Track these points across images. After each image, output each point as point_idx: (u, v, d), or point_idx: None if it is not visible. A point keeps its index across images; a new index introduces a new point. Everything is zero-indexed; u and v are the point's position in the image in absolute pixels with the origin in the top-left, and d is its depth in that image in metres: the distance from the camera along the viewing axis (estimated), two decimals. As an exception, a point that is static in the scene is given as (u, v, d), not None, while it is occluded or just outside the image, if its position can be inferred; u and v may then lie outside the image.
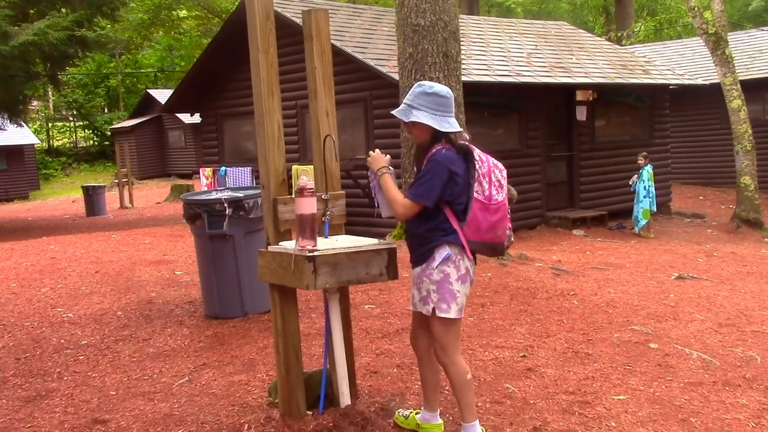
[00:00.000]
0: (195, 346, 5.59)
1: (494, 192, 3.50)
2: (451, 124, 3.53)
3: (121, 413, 4.30)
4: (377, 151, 3.77)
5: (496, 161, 3.57)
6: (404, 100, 3.61)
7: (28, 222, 20.05)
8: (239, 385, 4.67)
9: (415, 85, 3.62)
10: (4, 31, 15.12)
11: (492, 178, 3.51)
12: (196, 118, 18.56)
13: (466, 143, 3.55)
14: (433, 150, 3.53)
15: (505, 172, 3.60)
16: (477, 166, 3.48)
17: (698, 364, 5.06)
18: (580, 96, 13.95)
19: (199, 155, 27.54)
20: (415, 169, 3.79)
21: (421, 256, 3.57)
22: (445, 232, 3.50)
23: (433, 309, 3.54)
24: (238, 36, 13.17)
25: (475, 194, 3.47)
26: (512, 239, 3.63)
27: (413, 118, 3.54)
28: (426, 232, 3.54)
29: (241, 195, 6.17)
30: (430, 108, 3.52)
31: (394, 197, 3.60)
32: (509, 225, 3.60)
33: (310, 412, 4.03)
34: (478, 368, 4.91)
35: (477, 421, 3.67)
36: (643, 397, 4.42)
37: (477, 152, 3.52)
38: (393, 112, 3.67)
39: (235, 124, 15.36)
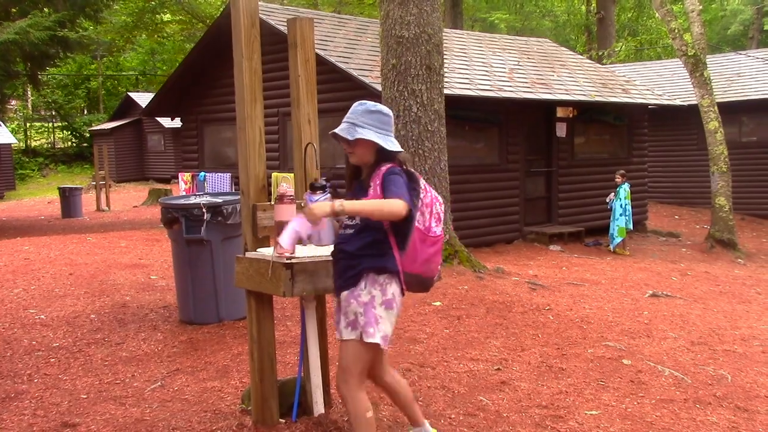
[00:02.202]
0: (168, 351, 5.55)
1: (433, 224, 3.33)
2: (394, 144, 3.36)
3: (91, 417, 4.26)
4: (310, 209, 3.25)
5: (436, 194, 3.40)
6: (345, 119, 3.40)
7: (2, 222, 19.80)
8: (212, 392, 4.64)
9: (356, 103, 3.44)
10: (-16, 28, 14.99)
11: (433, 210, 3.35)
12: (177, 123, 18.49)
13: (413, 170, 3.37)
14: (383, 168, 3.30)
15: (443, 207, 3.44)
16: (421, 195, 3.30)
17: (670, 381, 5.11)
18: (560, 113, 14.08)
19: (178, 160, 27.39)
20: (348, 196, 3.46)
21: (349, 278, 3.31)
22: (381, 253, 3.27)
23: (361, 334, 3.27)
24: (222, 42, 13.15)
25: (417, 223, 3.28)
26: (440, 275, 3.48)
27: (359, 136, 3.32)
28: (359, 250, 3.29)
29: (220, 200, 6.15)
30: (374, 126, 3.35)
31: (387, 203, 3.17)
32: (440, 260, 3.44)
33: (283, 420, 4.01)
34: (452, 380, 4.92)
35: None
36: (615, 412, 4.45)
37: (422, 181, 3.37)
38: (335, 131, 3.40)
39: (216, 129, 15.31)
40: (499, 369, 5.20)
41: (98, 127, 36.76)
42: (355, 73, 11.63)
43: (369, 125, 3.35)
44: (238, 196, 6.12)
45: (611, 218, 13.51)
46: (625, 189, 13.38)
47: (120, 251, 10.37)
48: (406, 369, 5.09)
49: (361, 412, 3.33)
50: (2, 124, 26.19)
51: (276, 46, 10.69)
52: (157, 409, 4.37)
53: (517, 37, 20.16)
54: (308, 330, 4.01)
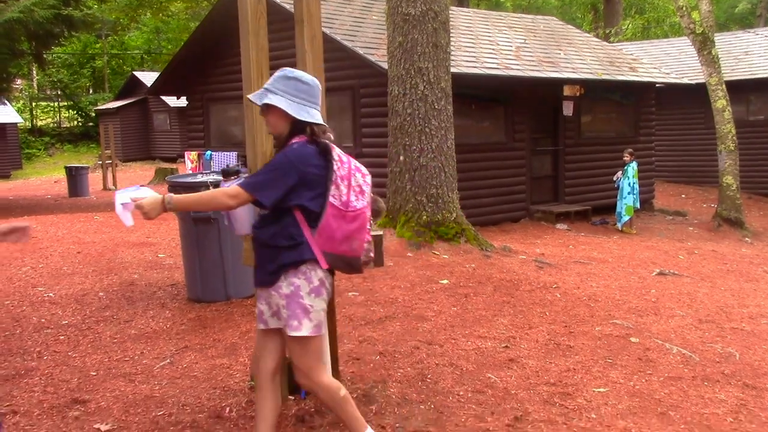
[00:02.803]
0: (177, 329, 5.57)
1: (353, 198, 3.09)
2: (311, 115, 3.12)
3: (101, 394, 4.28)
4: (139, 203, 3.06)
5: (359, 165, 3.19)
6: (264, 85, 3.24)
7: (10, 201, 19.84)
8: (221, 369, 4.66)
9: (279, 70, 3.23)
10: (-11, 7, 14.93)
11: (352, 183, 3.11)
12: (183, 102, 18.43)
13: (326, 141, 3.14)
14: (290, 143, 3.13)
15: (368, 178, 3.20)
16: (335, 167, 3.08)
17: (678, 359, 5.11)
18: (567, 91, 13.99)
19: (184, 139, 27.37)
20: None
21: (268, 275, 3.11)
22: (292, 240, 3.06)
23: (284, 327, 3.13)
24: (227, 20, 13.08)
25: (330, 199, 3.06)
26: (371, 255, 3.19)
27: (266, 101, 3.12)
28: (271, 238, 3.09)
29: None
30: (288, 93, 3.12)
31: (210, 195, 3.15)
32: (368, 238, 3.17)
33: (292, 397, 4.03)
34: (460, 357, 4.93)
35: (368, 427, 3.31)
36: (623, 390, 4.46)
37: (337, 151, 3.13)
38: (248, 96, 3.28)
39: (222, 108, 15.27)
40: (506, 347, 5.20)
41: (104, 107, 36.72)
42: (361, 51, 11.56)
43: (282, 92, 3.13)
44: (245, 174, 6.12)
45: (618, 197, 13.46)
46: (633, 167, 13.33)
47: (127, 230, 10.39)
48: (414, 347, 5.10)
49: (335, 395, 3.20)
50: (8, 103, 26.16)
51: (280, 23, 10.63)
52: (166, 385, 4.39)
53: (524, 15, 20.01)
54: (317, 307, 4.00)
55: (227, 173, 3.58)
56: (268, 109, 3.15)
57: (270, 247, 3.09)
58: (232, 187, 3.06)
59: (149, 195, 3.06)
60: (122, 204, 3.05)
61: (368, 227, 3.15)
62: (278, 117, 3.14)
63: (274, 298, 3.12)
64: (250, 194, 3.03)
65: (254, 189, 3.03)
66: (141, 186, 3.24)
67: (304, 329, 3.09)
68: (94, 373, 4.64)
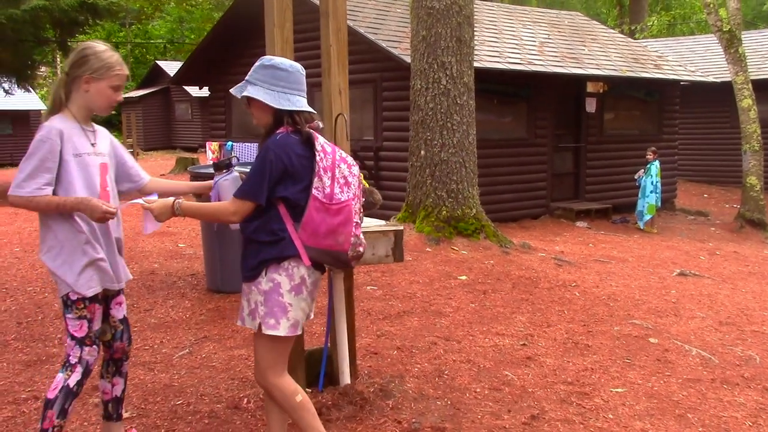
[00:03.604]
0: (196, 319, 5.61)
1: (337, 190, 2.93)
2: (292, 102, 2.99)
3: (121, 381, 4.31)
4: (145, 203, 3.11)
5: (345, 155, 3.05)
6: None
7: (32, 188, 20.03)
8: (239, 360, 4.69)
9: (258, 59, 3.12)
10: (15, -6, 15.06)
11: (336, 174, 2.95)
12: (204, 92, 18.52)
13: (310, 130, 3.01)
14: (273, 137, 3.00)
15: (355, 169, 3.04)
16: (318, 158, 2.93)
17: (697, 361, 5.07)
18: (590, 87, 13.89)
19: (205, 129, 27.50)
20: None
21: (250, 270, 2.99)
22: (274, 235, 2.94)
23: (260, 325, 2.98)
24: (251, 10, 13.10)
25: (313, 191, 2.91)
26: (360, 250, 3.01)
27: (245, 93, 3.03)
28: (253, 233, 2.98)
29: (248, 170, 6.15)
30: (266, 83, 3.01)
31: (215, 208, 3.09)
32: (357, 232, 2.99)
33: (310, 390, 4.04)
34: (478, 354, 4.92)
35: None
36: (641, 390, 4.44)
37: (320, 141, 2.99)
38: (230, 90, 3.16)
39: (244, 99, 15.31)
40: (524, 344, 5.19)
41: (126, 95, 36.91)
42: (384, 44, 11.54)
43: (260, 81, 3.02)
44: (237, 167, 6.13)
45: (639, 195, 13.36)
46: (656, 166, 13.22)
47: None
48: (432, 342, 5.10)
49: (290, 398, 3.04)
50: (32, 90, 26.41)
51: (304, 15, 10.64)
52: (185, 375, 4.42)
53: (548, 10, 19.86)
54: (335, 301, 4.02)
55: (218, 166, 3.52)
56: (249, 101, 3.06)
57: (252, 242, 2.98)
58: (232, 201, 2.96)
59: (165, 201, 3.07)
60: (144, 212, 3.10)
61: (356, 220, 2.98)
62: (259, 108, 3.04)
63: (253, 294, 3.00)
64: (246, 202, 2.92)
65: (248, 196, 2.92)
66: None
67: (282, 329, 2.95)
68: (114, 361, 4.67)
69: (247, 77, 3.06)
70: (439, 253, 7.87)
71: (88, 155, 3.10)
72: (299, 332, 3.06)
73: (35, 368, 4.57)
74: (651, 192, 13.16)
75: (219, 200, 3.29)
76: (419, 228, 8.46)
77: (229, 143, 14.75)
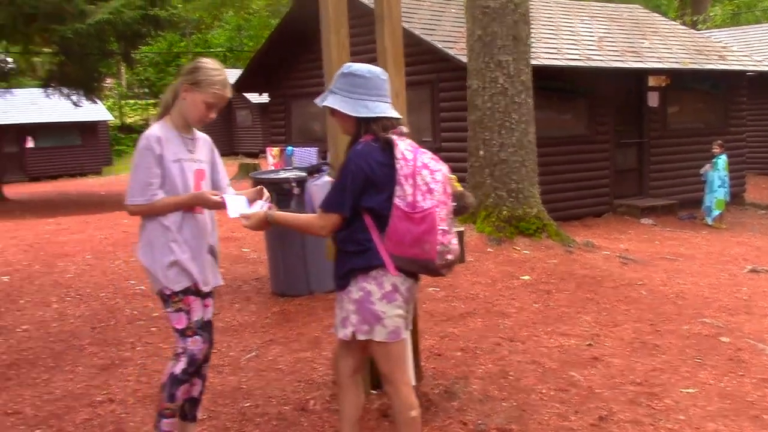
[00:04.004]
0: (262, 322, 5.70)
1: (419, 198, 2.84)
2: (370, 109, 2.94)
3: (191, 384, 4.42)
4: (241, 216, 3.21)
5: (428, 160, 2.94)
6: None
7: (102, 196, 20.67)
8: (305, 362, 4.75)
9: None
10: (81, 9, 15.57)
11: (418, 181, 2.85)
12: (264, 98, 18.78)
13: (389, 137, 2.94)
14: (356, 143, 3.00)
15: (438, 174, 2.92)
16: (398, 166, 2.86)
17: (772, 360, 4.92)
18: (652, 81, 13.59)
19: (266, 134, 27.84)
20: None
21: (340, 279, 3.02)
22: (360, 245, 2.94)
23: (353, 333, 3.01)
24: (307, 16, 13.24)
25: (396, 200, 2.86)
26: (449, 258, 2.91)
27: (324, 103, 3.03)
28: (341, 243, 3.02)
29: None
30: (345, 91, 2.98)
31: (304, 221, 3.15)
32: (445, 240, 2.88)
33: (374, 392, 4.07)
34: (543, 355, 4.88)
35: None
36: (713, 391, 4.33)
37: (401, 148, 2.89)
38: (315, 100, 3.17)
39: (303, 104, 15.48)
40: (590, 344, 5.12)
41: (189, 104, 37.71)
42: (439, 45, 11.53)
43: (340, 90, 3.00)
44: (327, 170, 6.20)
45: (706, 190, 13.01)
46: (723, 160, 12.85)
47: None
48: (496, 343, 5.08)
49: (405, 411, 3.06)
50: (99, 101, 27.20)
51: (359, 19, 10.71)
52: (252, 378, 4.50)
53: (606, 4, 19.52)
54: (399, 303, 4.03)
55: (311, 171, 3.63)
56: (332, 111, 3.05)
57: (341, 252, 3.03)
58: (319, 215, 2.99)
59: (255, 211, 3.19)
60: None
61: (442, 227, 2.87)
62: (341, 117, 3.02)
63: (345, 303, 3.02)
64: (332, 214, 2.94)
65: (331, 208, 2.94)
66: (238, 194, 3.38)
67: (377, 335, 2.97)
68: (184, 365, 4.79)
69: (330, 86, 3.06)
70: (500, 253, 7.82)
71: (185, 161, 3.27)
72: (403, 337, 3.05)
73: (110, 372, 4.71)
74: (719, 187, 12.80)
75: (311, 204, 3.35)
76: (480, 228, 8.41)
77: (290, 148, 14.93)
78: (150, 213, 3.21)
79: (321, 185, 3.45)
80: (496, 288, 6.56)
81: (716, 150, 12.93)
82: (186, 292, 3.25)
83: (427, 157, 2.95)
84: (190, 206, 3.25)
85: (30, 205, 18.19)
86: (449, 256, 2.90)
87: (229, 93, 3.33)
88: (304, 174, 6.25)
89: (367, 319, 2.96)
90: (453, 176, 3.03)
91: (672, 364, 4.77)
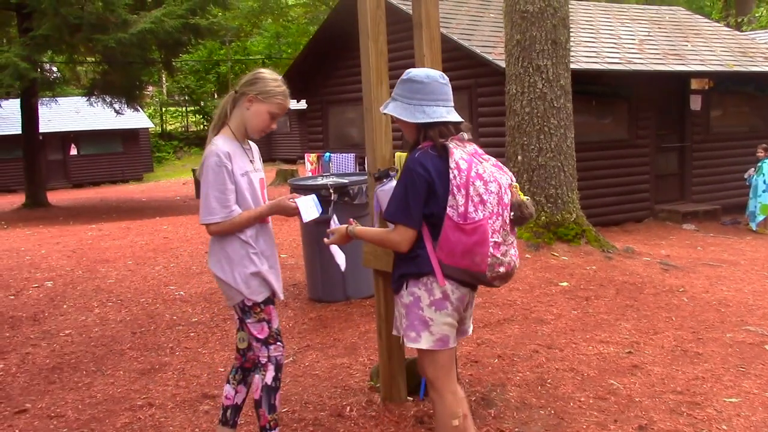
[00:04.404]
0: (299, 328, 5.73)
1: (471, 209, 2.78)
2: (427, 114, 2.90)
3: (228, 389, 4.46)
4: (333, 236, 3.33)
5: (482, 170, 2.84)
6: None
7: (142, 203, 21.00)
8: (341, 368, 4.75)
9: None
10: (123, 19, 15.86)
11: (470, 192, 2.78)
12: (302, 105, 18.90)
13: (446, 142, 2.89)
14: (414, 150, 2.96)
15: (493, 186, 2.82)
16: (451, 176, 2.80)
17: (819, 370, 4.79)
18: (695, 84, 13.37)
19: (303, 141, 28.07)
20: None
21: (394, 282, 3.07)
22: (413, 251, 2.93)
23: (402, 337, 3.05)
24: (345, 23, 13.32)
25: (448, 210, 2.81)
26: (501, 270, 2.84)
27: (384, 110, 3.03)
28: None
29: (347, 181, 6.25)
30: (405, 97, 2.96)
31: (382, 236, 3.06)
32: (498, 252, 2.81)
33: (411, 398, 4.07)
34: (581, 362, 4.82)
35: None
36: (758, 401, 4.23)
37: (456, 156, 2.83)
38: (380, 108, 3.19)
39: (340, 110, 15.56)
40: (630, 352, 5.04)
41: (228, 111, 38.10)
42: (478, 50, 11.49)
43: (399, 96, 2.99)
44: (364, 177, 6.21)
45: (750, 195, 12.74)
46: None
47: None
48: (533, 350, 5.03)
49: (447, 419, 3.02)
50: (140, 109, 27.69)
51: (397, 25, 10.72)
52: (289, 383, 4.52)
53: (648, 6, 19.28)
54: (435, 310, 4.02)
55: (378, 177, 3.71)
56: (394, 118, 3.03)
57: (396, 256, 3.04)
58: (393, 230, 2.94)
59: (339, 227, 3.32)
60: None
61: (495, 240, 2.80)
62: (402, 124, 3.00)
63: (398, 306, 3.06)
64: (400, 226, 2.90)
65: (398, 219, 2.90)
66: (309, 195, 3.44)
67: (423, 342, 2.96)
68: (222, 369, 4.84)
69: (393, 93, 3.05)
70: (539, 259, 7.75)
71: (251, 173, 3.33)
72: (451, 346, 3.02)
73: (149, 376, 4.77)
74: (764, 191, 12.52)
75: (380, 209, 3.47)
76: (518, 234, 8.34)
77: (327, 154, 15.01)
78: (230, 230, 3.22)
79: (389, 190, 3.48)
80: (534, 294, 6.50)
81: (761, 154, 12.66)
82: (266, 302, 3.33)
83: (486, 165, 2.88)
84: (269, 215, 3.31)
85: (73, 211, 18.56)
86: (501, 269, 2.84)
87: (289, 103, 3.40)
88: (343, 181, 6.28)
89: (414, 324, 2.97)
90: (515, 184, 2.96)
91: (714, 372, 4.67)
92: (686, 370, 4.72)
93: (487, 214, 2.80)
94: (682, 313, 6.07)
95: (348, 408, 4.06)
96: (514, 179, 2.96)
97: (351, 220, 3.32)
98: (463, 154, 2.86)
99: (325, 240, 3.36)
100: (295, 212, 3.30)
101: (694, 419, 3.95)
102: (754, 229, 12.54)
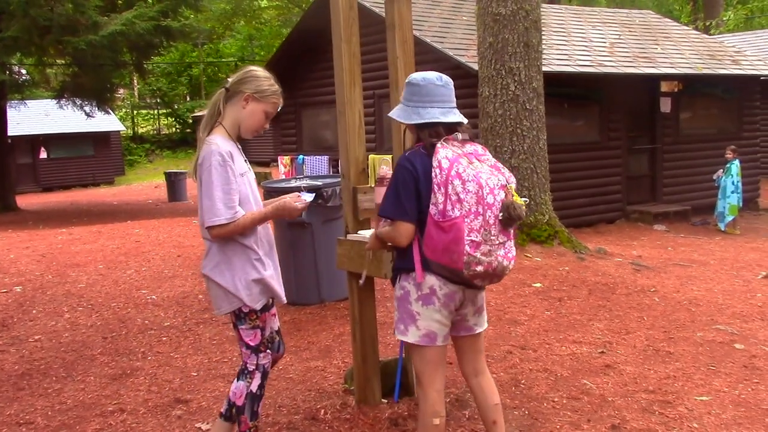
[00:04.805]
0: (273, 331, 5.69)
1: (449, 207, 2.82)
2: (420, 115, 2.99)
3: (202, 394, 4.42)
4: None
5: (462, 170, 2.84)
6: None
7: (114, 206, 20.77)
8: (316, 371, 4.73)
9: None
10: (94, 21, 15.69)
11: (448, 190, 2.83)
12: (275, 107, 18.82)
13: (434, 141, 2.94)
14: None
15: (472, 185, 2.82)
16: (433, 174, 2.87)
17: (787, 367, 4.87)
18: (664, 87, 13.55)
19: (277, 143, 27.94)
20: None
21: (392, 276, 3.18)
22: (404, 250, 3.02)
23: (394, 329, 3.12)
24: (318, 26, 13.29)
25: (431, 207, 2.88)
26: (478, 269, 2.84)
27: (390, 114, 3.16)
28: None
29: (320, 183, 6.24)
30: (406, 100, 3.07)
31: (387, 233, 3.06)
32: (475, 251, 2.82)
33: (386, 401, 4.06)
34: (554, 363, 4.84)
35: None
36: (728, 399, 4.28)
37: (440, 155, 2.88)
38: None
39: (314, 113, 15.53)
40: (603, 352, 5.08)
41: (200, 113, 37.76)
42: (451, 52, 11.54)
43: (403, 99, 3.09)
44: (338, 179, 6.21)
45: (719, 196, 12.93)
46: (736, 165, 12.77)
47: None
48: (507, 351, 5.05)
49: (428, 417, 3.05)
50: (111, 112, 27.39)
51: (370, 28, 10.72)
52: (263, 387, 4.49)
53: (618, 10, 19.49)
54: (409, 311, 4.01)
55: (309, 190, 3.73)
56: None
57: (396, 251, 3.11)
58: (390, 225, 3.01)
59: (371, 231, 3.41)
60: None
61: (471, 238, 2.81)
62: (406, 125, 3.14)
63: (394, 299, 3.14)
64: (396, 221, 2.96)
65: (391, 213, 2.98)
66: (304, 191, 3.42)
67: (410, 336, 3.02)
68: (195, 374, 4.80)
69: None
70: (512, 260, 7.77)
71: (247, 173, 3.27)
72: (439, 343, 3.04)
73: (121, 382, 4.72)
74: (732, 192, 12.71)
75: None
76: (491, 236, 8.38)
77: (301, 157, 14.97)
78: (235, 232, 3.11)
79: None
80: (508, 295, 6.53)
81: (729, 155, 12.85)
82: (263, 309, 3.26)
83: (477, 165, 2.89)
84: (274, 217, 3.24)
85: (43, 215, 18.31)
86: (479, 268, 2.85)
87: (281, 102, 3.36)
88: (317, 183, 6.26)
89: (403, 318, 3.05)
90: (511, 185, 2.94)
91: (685, 371, 4.72)
92: (658, 369, 4.76)
93: (463, 212, 2.82)
94: (653, 312, 6.13)
95: (322, 411, 4.04)
96: (512, 180, 2.97)
97: (381, 221, 3.19)
98: (448, 153, 2.89)
99: (366, 246, 3.45)
100: (299, 214, 3.25)
101: (666, 418, 3.99)
102: (722, 229, 12.73)
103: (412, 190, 2.92)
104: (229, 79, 3.31)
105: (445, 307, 3.00)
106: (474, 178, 2.83)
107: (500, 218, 2.86)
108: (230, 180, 3.09)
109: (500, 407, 3.26)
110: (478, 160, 2.93)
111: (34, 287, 7.36)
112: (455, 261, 2.84)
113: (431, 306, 2.99)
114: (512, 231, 2.95)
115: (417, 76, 3.07)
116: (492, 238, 2.85)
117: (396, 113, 3.09)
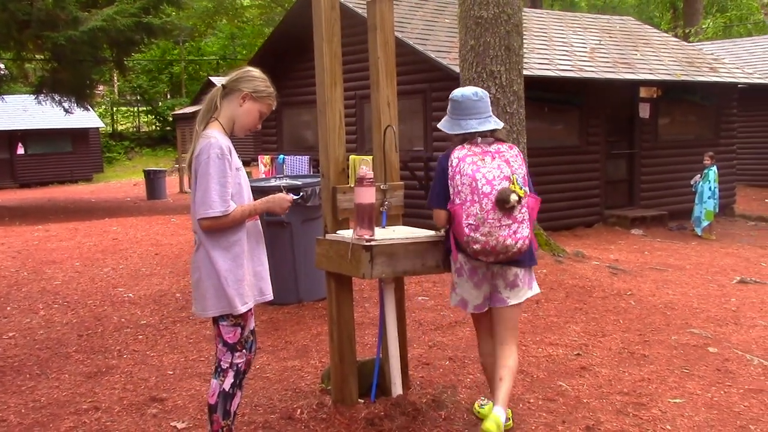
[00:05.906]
0: (250, 331, 5.67)
1: (455, 197, 3.50)
2: (461, 126, 3.58)
3: (178, 392, 4.40)
4: None
5: (463, 166, 3.47)
6: None
7: (92, 203, 20.59)
8: (293, 371, 4.73)
9: None
10: (74, 16, 15.53)
11: (456, 183, 3.49)
12: (256, 106, 18.74)
13: (455, 142, 3.60)
14: None
15: (466, 178, 3.46)
16: (449, 171, 3.53)
17: (759, 371, 4.93)
18: (644, 93, 13.67)
19: (257, 143, 27.85)
20: None
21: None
22: (446, 230, 3.66)
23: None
24: (300, 26, 13.26)
25: (452, 196, 3.53)
26: (476, 248, 3.46)
27: (438, 125, 3.76)
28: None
29: (300, 183, 6.23)
30: (450, 113, 3.67)
31: (436, 219, 3.71)
32: (472, 232, 3.43)
33: (362, 400, 4.06)
34: (531, 364, 4.87)
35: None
36: (701, 401, 4.33)
37: (455, 155, 3.51)
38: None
39: (295, 112, 15.49)
40: (579, 354, 5.12)
41: (181, 111, 37.65)
42: (432, 54, 11.56)
43: (448, 113, 3.68)
44: (318, 179, 6.20)
45: (696, 201, 13.05)
46: (714, 171, 12.90)
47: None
48: (484, 352, 5.06)
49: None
50: (90, 108, 27.14)
51: (352, 29, 10.72)
52: (239, 386, 4.47)
53: (599, 16, 19.64)
54: (387, 312, 4.03)
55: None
56: None
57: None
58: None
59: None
60: None
61: (468, 222, 3.41)
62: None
63: None
64: (434, 209, 3.61)
65: (430, 203, 3.61)
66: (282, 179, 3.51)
67: (452, 300, 3.77)
68: (171, 372, 4.77)
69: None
70: (490, 262, 7.81)
71: (241, 169, 3.29)
72: (470, 311, 3.72)
73: (96, 380, 4.68)
74: (709, 198, 12.84)
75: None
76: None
77: (281, 156, 14.93)
78: (226, 225, 3.13)
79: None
80: (486, 297, 6.55)
81: (707, 162, 12.98)
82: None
83: (482, 163, 3.44)
84: (265, 211, 3.31)
85: (19, 211, 18.11)
86: (476, 246, 3.44)
87: (275, 104, 3.40)
88: (297, 183, 6.26)
89: (451, 285, 3.74)
90: (514, 177, 3.45)
91: (660, 374, 4.77)
92: (633, 371, 4.81)
93: (461, 201, 3.44)
94: (629, 316, 6.19)
95: (299, 410, 4.03)
96: (518, 173, 3.49)
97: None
98: (460, 154, 3.50)
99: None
100: (288, 209, 3.33)
101: (640, 420, 4.02)
102: (699, 234, 12.85)
103: (442, 182, 3.54)
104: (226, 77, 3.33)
105: (470, 278, 3.61)
106: (470, 174, 3.42)
107: (497, 205, 3.39)
108: (227, 173, 3.12)
109: (512, 370, 3.67)
110: (496, 157, 3.47)
111: (9, 284, 7.28)
112: (464, 241, 3.47)
113: (462, 277, 3.64)
114: (524, 214, 3.46)
115: (457, 93, 3.64)
116: (491, 221, 3.39)
117: (443, 125, 3.67)
